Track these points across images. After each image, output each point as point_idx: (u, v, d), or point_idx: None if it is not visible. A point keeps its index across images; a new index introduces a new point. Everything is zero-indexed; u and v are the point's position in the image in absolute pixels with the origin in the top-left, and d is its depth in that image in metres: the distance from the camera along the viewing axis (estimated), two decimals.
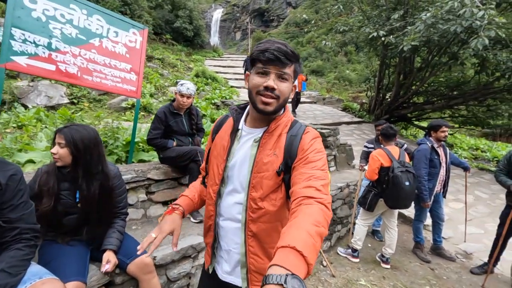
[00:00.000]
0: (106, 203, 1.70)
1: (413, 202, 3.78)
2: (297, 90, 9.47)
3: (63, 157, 1.59)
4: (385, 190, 3.19)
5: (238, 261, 1.06)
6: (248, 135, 1.08)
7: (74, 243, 1.66)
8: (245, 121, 1.12)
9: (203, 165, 1.26)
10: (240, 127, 1.11)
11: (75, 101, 6.69)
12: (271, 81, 0.95)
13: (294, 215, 0.79)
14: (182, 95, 2.81)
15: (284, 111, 1.08)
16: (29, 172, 2.19)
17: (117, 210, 1.81)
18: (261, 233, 1.02)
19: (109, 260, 1.63)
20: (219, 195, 1.10)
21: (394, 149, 3.31)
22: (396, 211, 3.43)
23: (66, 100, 6.52)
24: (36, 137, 3.67)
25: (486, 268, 3.37)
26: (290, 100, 1.13)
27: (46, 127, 4.37)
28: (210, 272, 1.16)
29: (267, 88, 0.96)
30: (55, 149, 1.59)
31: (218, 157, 1.10)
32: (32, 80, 6.60)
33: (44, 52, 2.53)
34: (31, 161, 2.59)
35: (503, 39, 6.21)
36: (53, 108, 6.09)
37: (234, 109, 1.15)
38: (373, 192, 3.32)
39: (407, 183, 3.08)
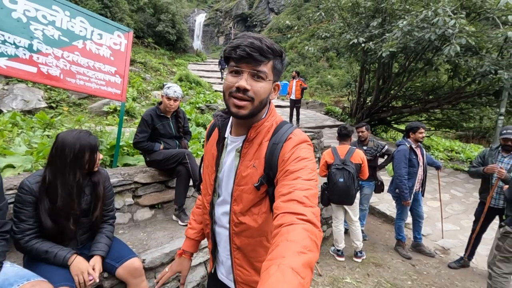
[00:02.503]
0: (98, 206, 1.68)
1: (394, 202, 3.95)
2: (294, 97, 9.17)
3: None
4: (327, 185, 3.45)
5: (231, 267, 1.05)
6: (232, 143, 1.00)
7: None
8: (231, 127, 1.04)
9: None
10: (226, 135, 1.03)
11: (53, 105, 6.45)
12: (243, 81, 0.84)
13: (276, 242, 0.67)
14: (169, 98, 2.80)
15: (266, 115, 0.97)
16: (9, 177, 2.11)
17: (105, 213, 1.78)
18: (246, 247, 0.98)
19: (94, 268, 1.57)
20: (212, 205, 1.07)
21: (342, 148, 3.50)
22: (353, 208, 3.55)
23: (44, 104, 6.29)
24: (13, 142, 3.52)
25: (463, 262, 3.57)
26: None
27: (23, 132, 4.20)
28: (213, 272, 1.17)
29: (239, 89, 0.85)
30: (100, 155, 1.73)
31: (209, 166, 1.06)
32: (7, 83, 6.33)
33: (25, 54, 2.45)
34: (10, 166, 2.49)
35: (473, 47, 6.63)
36: (30, 112, 5.85)
37: (218, 116, 1.04)
38: (323, 188, 3.56)
39: (340, 179, 3.27)
